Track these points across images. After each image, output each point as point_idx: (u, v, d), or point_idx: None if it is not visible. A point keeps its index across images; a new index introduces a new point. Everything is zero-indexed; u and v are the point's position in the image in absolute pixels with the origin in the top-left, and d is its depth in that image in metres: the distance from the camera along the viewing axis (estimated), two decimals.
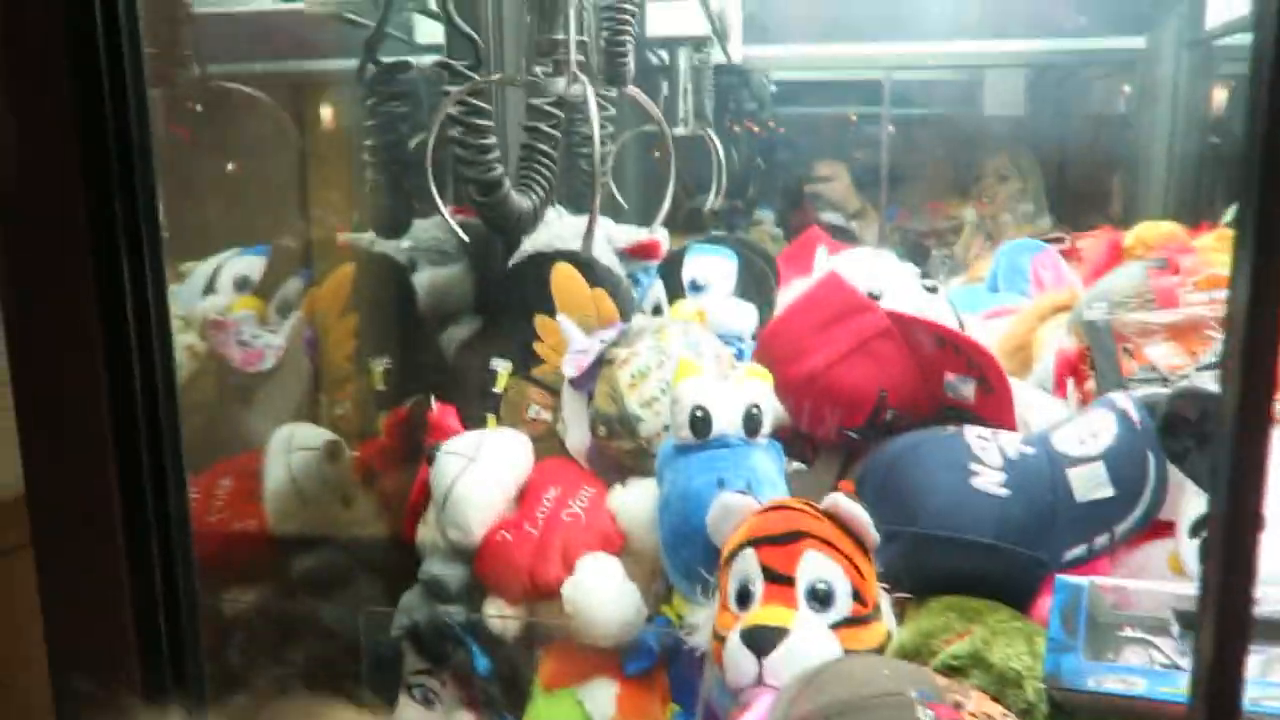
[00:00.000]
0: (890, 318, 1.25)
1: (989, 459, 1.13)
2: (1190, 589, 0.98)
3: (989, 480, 1.11)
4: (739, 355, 1.59)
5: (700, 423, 1.22)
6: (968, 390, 1.23)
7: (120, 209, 0.93)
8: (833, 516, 1.08)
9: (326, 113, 2.08)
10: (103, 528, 0.95)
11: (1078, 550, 1.09)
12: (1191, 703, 0.67)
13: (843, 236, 3.37)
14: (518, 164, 1.61)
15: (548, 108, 1.55)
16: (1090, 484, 1.10)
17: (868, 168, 3.66)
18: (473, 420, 1.54)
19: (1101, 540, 1.09)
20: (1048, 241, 2.07)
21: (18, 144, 0.89)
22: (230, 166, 1.96)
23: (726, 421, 1.23)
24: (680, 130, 2.32)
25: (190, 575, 1.06)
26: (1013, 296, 1.76)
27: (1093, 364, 1.41)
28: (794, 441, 1.40)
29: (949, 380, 1.24)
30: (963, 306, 1.72)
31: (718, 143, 2.24)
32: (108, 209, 0.92)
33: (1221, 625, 0.65)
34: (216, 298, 1.72)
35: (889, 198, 3.70)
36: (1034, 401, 1.32)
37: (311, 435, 1.41)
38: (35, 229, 0.92)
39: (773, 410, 1.27)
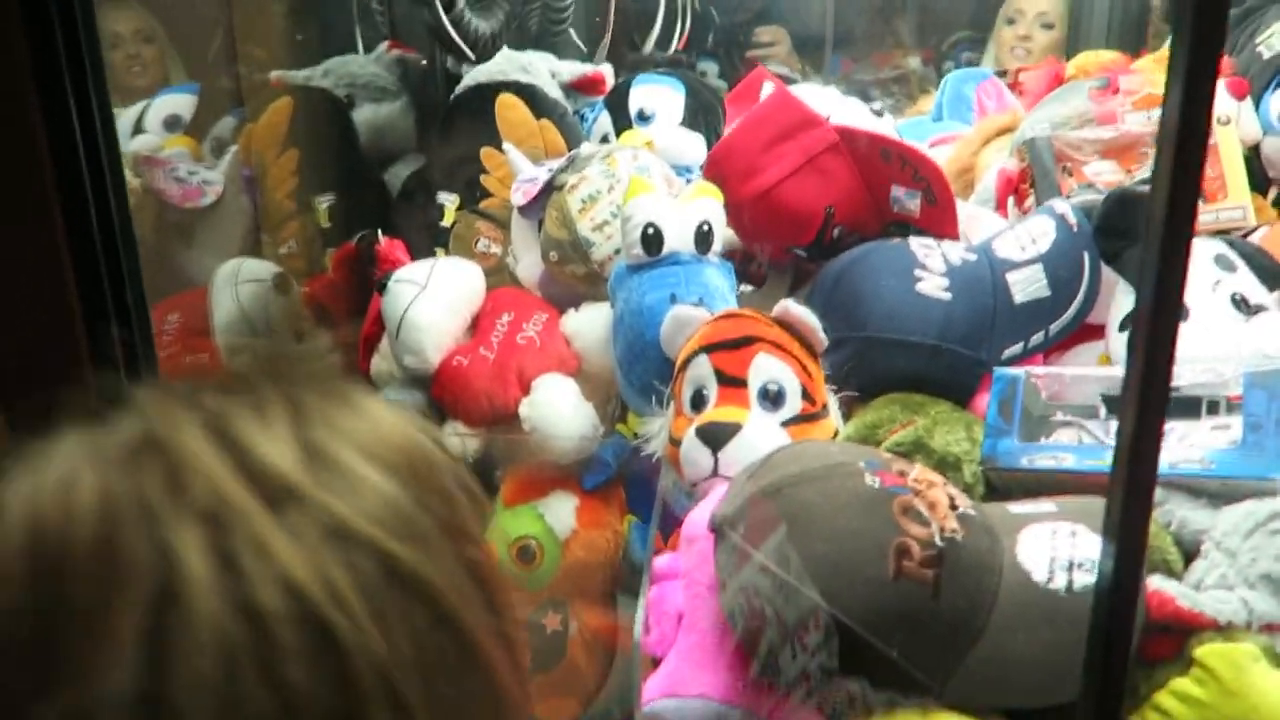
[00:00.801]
0: (838, 132, 1.26)
1: (933, 265, 1.16)
2: (1118, 373, 1.03)
3: (933, 285, 1.14)
4: (688, 184, 1.59)
5: (652, 240, 1.23)
6: (913, 204, 1.25)
7: (62, 41, 0.89)
8: (783, 322, 1.12)
9: None
10: (69, 366, 0.94)
11: (1014, 349, 1.13)
12: (1114, 470, 0.72)
13: (788, 83, 3.32)
14: None
15: None
16: (1028, 286, 1.14)
17: (813, 21, 3.59)
18: (421, 255, 1.53)
19: (1037, 338, 1.13)
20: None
21: None
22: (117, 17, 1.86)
23: (678, 238, 1.24)
24: None
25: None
26: (957, 125, 1.77)
27: (1033, 182, 1.43)
28: (743, 264, 1.42)
29: (895, 194, 1.26)
30: (908, 136, 1.72)
31: None
32: (50, 44, 0.88)
33: (1144, 402, 0.69)
34: (147, 137, 1.66)
35: (835, 51, 3.65)
36: (976, 215, 1.35)
37: (259, 268, 1.40)
38: None
39: (723, 229, 1.28)
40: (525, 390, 1.31)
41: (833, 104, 1.74)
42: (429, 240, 1.56)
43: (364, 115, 1.74)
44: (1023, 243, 1.18)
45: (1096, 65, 1.84)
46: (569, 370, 1.34)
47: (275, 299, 1.37)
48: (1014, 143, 1.54)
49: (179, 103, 1.67)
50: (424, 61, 1.86)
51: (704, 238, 1.25)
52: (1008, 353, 1.14)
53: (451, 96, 1.64)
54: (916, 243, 1.20)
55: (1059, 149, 1.45)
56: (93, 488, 0.36)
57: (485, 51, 1.58)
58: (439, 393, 1.33)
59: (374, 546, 0.37)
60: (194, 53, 1.94)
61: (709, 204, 1.26)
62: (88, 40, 0.88)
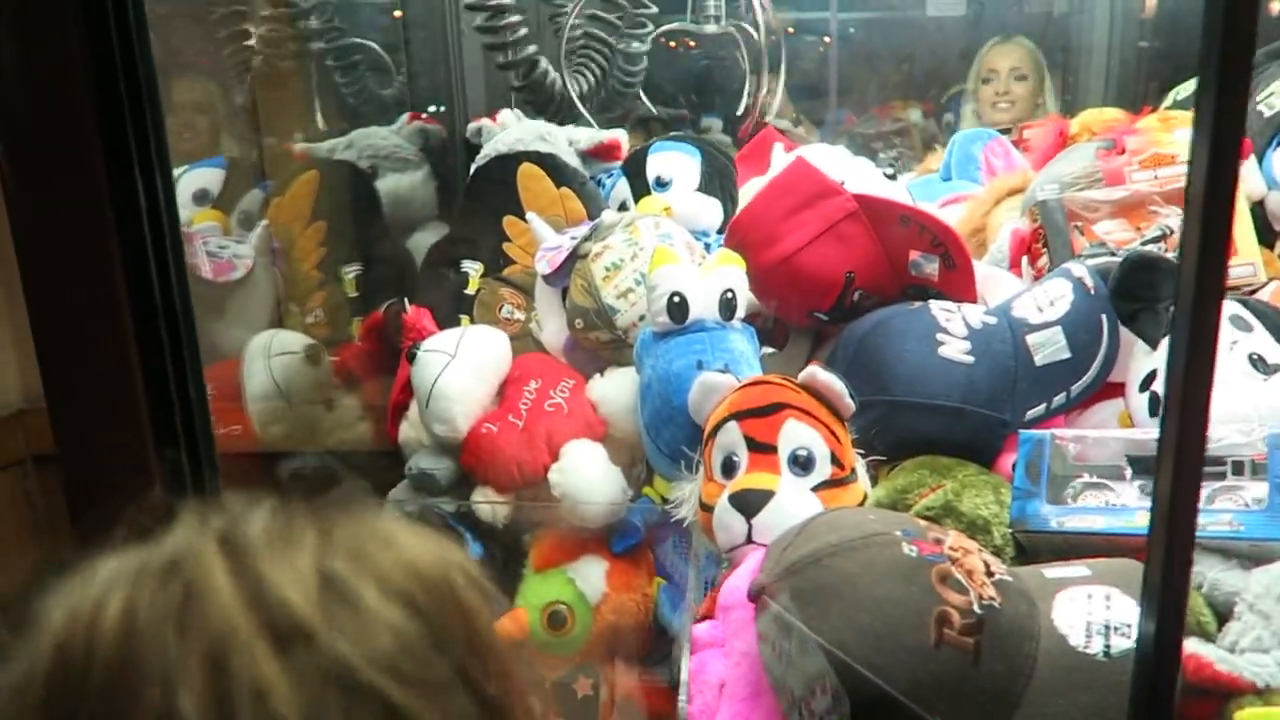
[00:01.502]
0: (857, 200, 1.29)
1: (954, 329, 1.19)
2: (1142, 435, 1.06)
3: (955, 349, 1.17)
4: (706, 250, 1.63)
5: (677, 308, 1.26)
6: (931, 268, 1.28)
7: (130, 119, 0.91)
8: (809, 388, 1.14)
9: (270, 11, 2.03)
10: (131, 436, 0.96)
11: (1037, 410, 1.16)
12: (1153, 528, 0.73)
13: (793, 139, 3.39)
14: (573, 48, 1.60)
15: (605, 15, 1.56)
16: (1049, 348, 1.16)
17: (813, 72, 3.67)
18: (447, 323, 1.56)
19: (1059, 399, 1.16)
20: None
21: (25, 61, 0.87)
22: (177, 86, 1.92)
23: (703, 306, 1.27)
24: (711, 28, 2.22)
25: (216, 482, 1.07)
26: (965, 184, 1.81)
27: (1046, 242, 1.47)
28: (765, 327, 1.45)
29: (914, 259, 1.29)
30: (918, 196, 1.77)
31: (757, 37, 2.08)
32: (117, 119, 0.90)
33: (1180, 466, 0.71)
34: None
35: (837, 101, 3.72)
36: (992, 278, 1.38)
37: (291, 339, 1.43)
38: (46, 144, 0.90)
39: (746, 295, 1.31)
40: (554, 456, 1.33)
41: (843, 165, 1.78)
42: (454, 308, 1.59)
43: (387, 185, 1.79)
44: (1041, 305, 1.21)
45: (1100, 123, 1.89)
46: (596, 436, 1.36)
47: (307, 369, 1.40)
48: (1025, 203, 1.58)
49: (207, 177, 1.72)
50: (444, 131, 1.91)
51: (728, 305, 1.28)
52: (1031, 413, 1.16)
53: (473, 166, 1.68)
54: (937, 307, 1.23)
55: (1070, 209, 1.48)
56: (118, 611, 0.37)
57: (567, 110, 1.63)
58: (468, 460, 1.35)
59: (378, 694, 0.37)
60: (226, 128, 1.99)
61: (732, 272, 1.29)
62: (151, 111, 0.91)
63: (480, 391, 1.37)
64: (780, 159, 2.00)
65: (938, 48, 3.65)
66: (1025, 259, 1.49)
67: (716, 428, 1.14)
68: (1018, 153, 1.86)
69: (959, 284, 1.28)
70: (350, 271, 1.63)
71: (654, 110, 3.72)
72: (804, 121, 3.64)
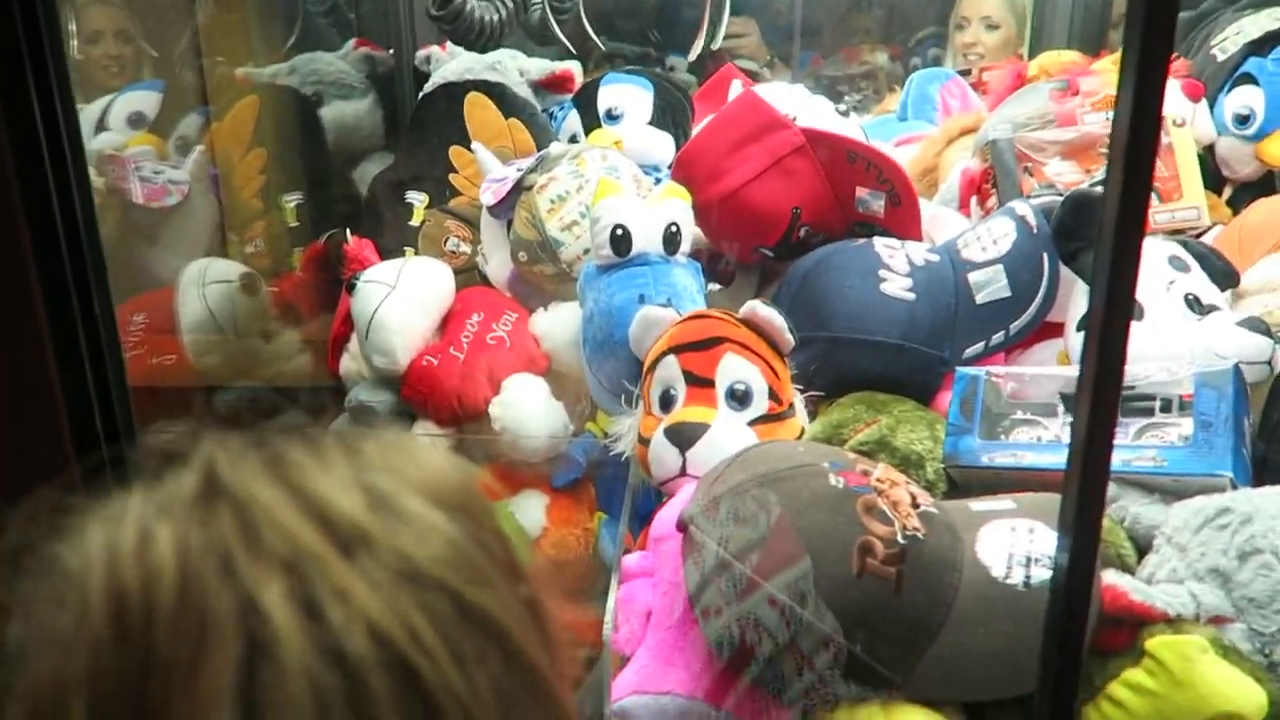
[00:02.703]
0: (804, 134, 1.28)
1: (897, 266, 1.18)
2: (1073, 374, 1.06)
3: (896, 285, 1.16)
4: (656, 184, 1.60)
5: (620, 240, 1.24)
6: (878, 205, 1.27)
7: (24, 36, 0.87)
8: (749, 323, 1.13)
9: None
10: (34, 367, 0.93)
11: (976, 347, 1.16)
12: (1070, 461, 0.74)
13: (757, 79, 3.34)
14: None
15: None
16: (990, 286, 1.16)
17: (782, 21, 3.61)
18: (390, 255, 1.53)
19: (998, 337, 1.16)
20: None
21: None
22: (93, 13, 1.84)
23: (646, 239, 1.25)
24: None
25: (126, 406, 1.05)
26: (921, 124, 1.80)
27: (995, 182, 1.46)
28: (711, 263, 1.43)
29: (860, 195, 1.28)
30: (873, 135, 1.75)
31: None
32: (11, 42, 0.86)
33: (1097, 401, 0.71)
34: (110, 135, 1.64)
35: (803, 43, 3.67)
36: (939, 217, 1.37)
37: (226, 268, 1.39)
38: None
39: (691, 229, 1.30)
40: (495, 390, 1.32)
41: (800, 103, 1.76)
42: (398, 239, 1.56)
43: (331, 113, 1.74)
44: (984, 244, 1.21)
45: (1058, 66, 1.88)
46: (539, 370, 1.35)
47: (243, 299, 1.37)
48: (977, 143, 1.56)
49: (143, 100, 1.66)
50: (391, 56, 1.85)
51: (672, 239, 1.26)
52: (969, 351, 1.16)
53: (420, 95, 1.64)
54: (881, 244, 1.22)
55: (1020, 150, 1.47)
56: (169, 543, 0.36)
57: (491, 41, 1.58)
58: (409, 393, 1.34)
59: (446, 588, 0.37)
60: (164, 51, 1.92)
61: (677, 205, 1.27)
62: (50, 36, 0.87)
63: (421, 324, 1.35)
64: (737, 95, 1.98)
65: None
66: (975, 199, 1.48)
67: (655, 361, 1.13)
68: (974, 94, 1.84)
69: (905, 221, 1.27)
70: (291, 200, 1.59)
71: (609, 47, 3.65)
72: (777, 64, 3.60)
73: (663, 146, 1.64)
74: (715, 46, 2.04)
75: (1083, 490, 0.71)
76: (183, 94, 1.72)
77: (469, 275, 1.54)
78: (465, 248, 1.57)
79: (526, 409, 1.30)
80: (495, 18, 1.47)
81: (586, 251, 1.34)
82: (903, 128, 1.81)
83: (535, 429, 1.29)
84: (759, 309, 1.12)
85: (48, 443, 0.95)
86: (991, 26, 2.72)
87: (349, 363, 1.42)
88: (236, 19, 1.82)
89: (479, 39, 1.47)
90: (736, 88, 2.00)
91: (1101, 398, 0.71)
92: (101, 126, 1.66)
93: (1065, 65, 1.87)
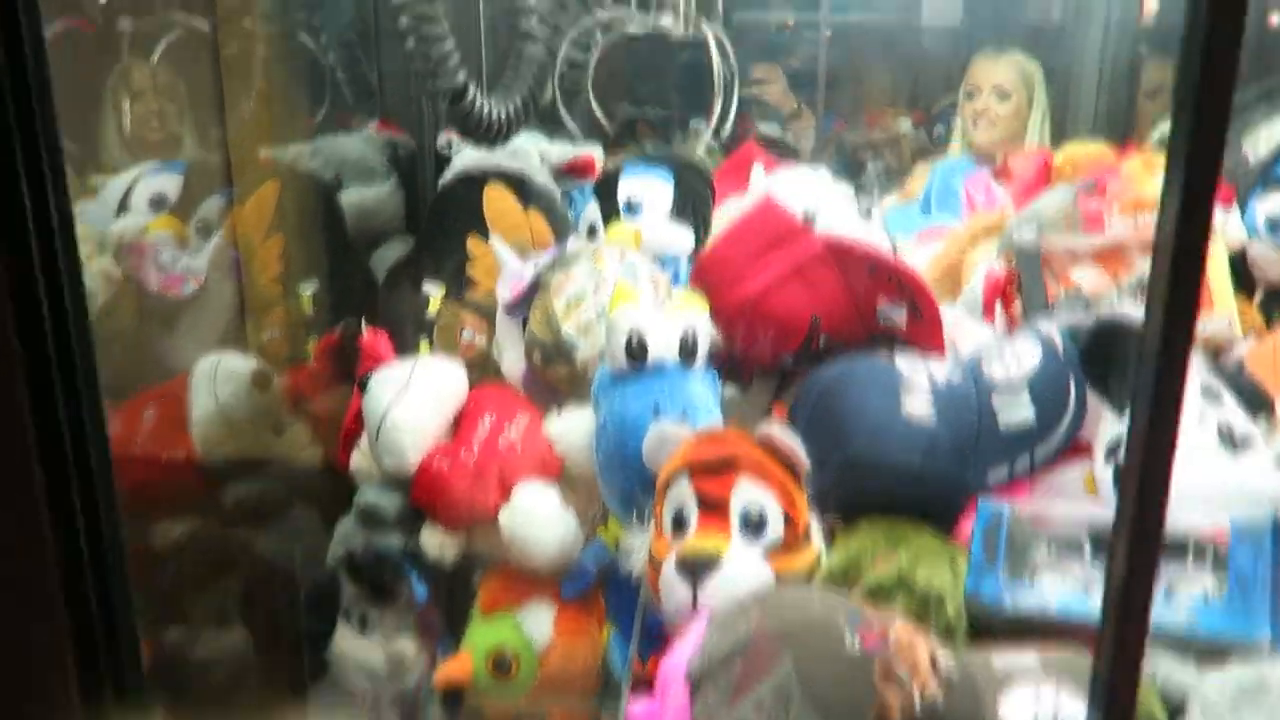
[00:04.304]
0: (825, 244, 1.26)
1: (918, 385, 1.15)
2: (1104, 511, 1.02)
3: (918, 406, 1.13)
4: (675, 278, 1.59)
5: (636, 349, 1.22)
6: (899, 317, 1.25)
7: (13, 115, 0.85)
8: (765, 444, 1.10)
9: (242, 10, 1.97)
10: (17, 470, 0.91)
11: (999, 472, 1.12)
12: (1104, 623, 0.70)
13: (780, 150, 3.35)
14: (505, 69, 1.56)
15: (547, 13, 1.52)
16: (1013, 408, 1.13)
17: (806, 74, 3.62)
18: (405, 345, 1.52)
19: (1022, 463, 1.12)
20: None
21: None
22: (139, 69, 1.87)
23: (662, 348, 1.23)
24: (678, 32, 2.13)
25: (114, 511, 1.03)
26: (945, 218, 1.78)
27: (1020, 287, 1.43)
28: (729, 365, 1.41)
29: (881, 306, 1.26)
30: (896, 228, 1.73)
31: (725, 44, 2.01)
32: None
33: (1134, 548, 0.68)
34: (131, 217, 1.65)
35: (826, 106, 3.68)
36: (962, 324, 1.34)
37: (238, 363, 1.38)
38: None
39: (708, 336, 1.27)
40: (506, 495, 1.29)
41: (820, 194, 1.74)
42: (413, 330, 1.55)
43: (351, 197, 1.74)
44: (1008, 363, 1.17)
45: (1085, 158, 1.86)
46: (551, 475, 1.32)
47: (255, 395, 1.36)
48: (1001, 244, 1.54)
49: (165, 182, 1.66)
50: (412, 140, 1.86)
51: (689, 348, 1.24)
52: (993, 476, 1.13)
53: (439, 184, 1.63)
54: (902, 360, 1.19)
55: (1046, 253, 1.45)
56: None
57: (500, 136, 1.58)
58: (418, 494, 1.31)
59: None
60: (193, 126, 1.94)
61: (694, 314, 1.25)
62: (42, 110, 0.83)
63: (432, 424, 1.33)
64: (759, 181, 1.97)
65: (931, 57, 3.59)
66: (999, 304, 1.45)
67: (668, 481, 1.10)
68: (999, 188, 1.82)
69: (927, 335, 1.24)
70: (308, 288, 1.58)
71: (630, 112, 3.65)
72: (804, 112, 3.58)
73: (682, 239, 1.62)
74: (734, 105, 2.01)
75: (1117, 659, 0.67)
76: (205, 174, 1.72)
77: (483, 367, 1.52)
78: (480, 339, 1.55)
79: (537, 518, 1.27)
80: (505, 113, 1.46)
81: (602, 354, 1.32)
82: (926, 220, 1.79)
83: (545, 538, 1.26)
84: (774, 434, 1.09)
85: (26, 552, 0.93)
86: (1003, 95, 2.70)
87: (359, 459, 1.40)
88: (263, 98, 1.83)
89: (488, 134, 1.46)
90: (759, 172, 2.00)
91: (1139, 545, 0.67)
92: (124, 208, 1.67)
93: (1093, 158, 1.85)
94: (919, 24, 3.53)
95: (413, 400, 1.31)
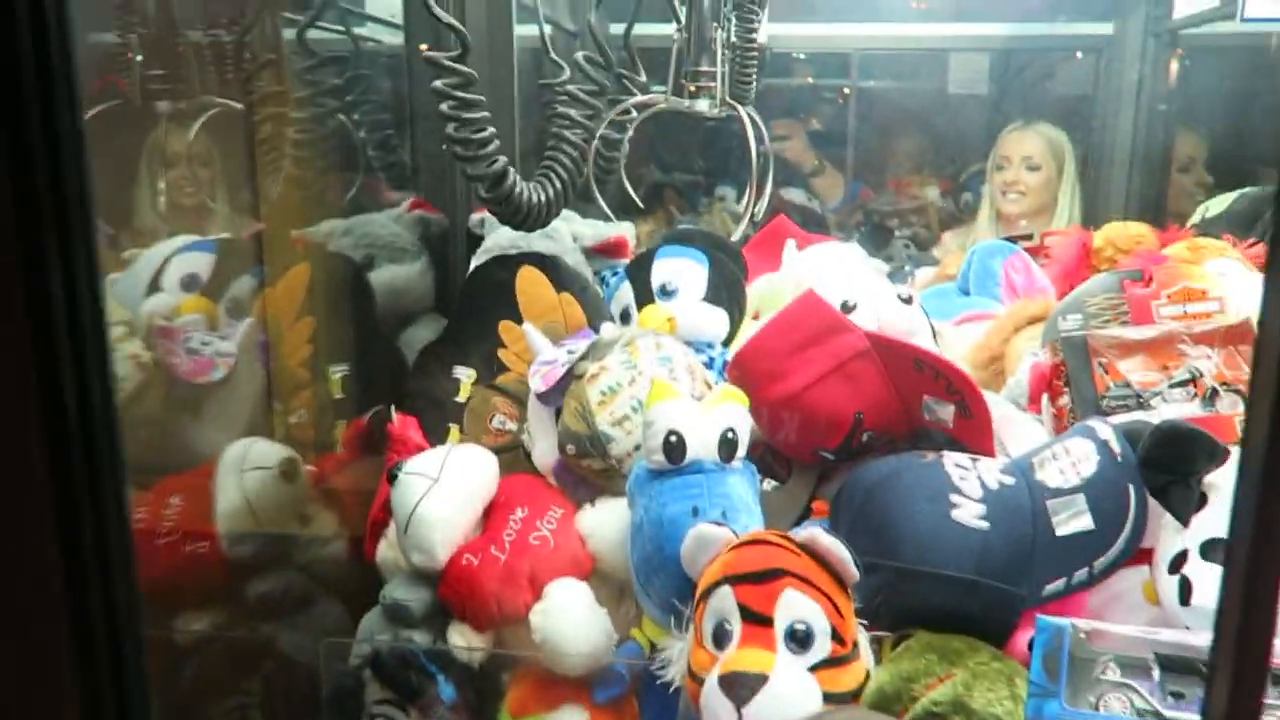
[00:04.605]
0: (869, 339, 1.22)
1: (969, 490, 1.11)
2: (1174, 632, 0.97)
3: (969, 512, 1.09)
4: (709, 363, 1.56)
5: (674, 448, 1.18)
6: (946, 414, 1.21)
7: (47, 189, 0.83)
8: (810, 550, 1.06)
9: (275, 90, 1.99)
10: (36, 556, 0.88)
11: (1056, 585, 1.07)
12: None
13: (808, 219, 3.34)
14: (544, 152, 1.55)
15: (585, 96, 1.50)
16: (1070, 516, 1.08)
17: (835, 137, 3.63)
18: (435, 432, 1.49)
19: (1080, 575, 1.07)
20: (1015, 239, 2.06)
21: None
22: (176, 138, 1.87)
23: (701, 446, 1.19)
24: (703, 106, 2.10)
25: (135, 606, 0.99)
26: (984, 300, 1.74)
27: (1067, 380, 1.39)
28: (768, 458, 1.37)
29: (927, 403, 1.22)
30: (934, 312, 1.70)
31: (758, 123, 1.94)
32: (30, 189, 0.82)
33: (1239, 675, 0.62)
34: (162, 297, 1.63)
35: (853, 173, 3.69)
36: (1010, 420, 1.30)
37: (266, 453, 1.35)
38: None
39: (748, 432, 1.24)
40: (537, 594, 1.25)
41: (859, 276, 1.72)
42: (443, 415, 1.52)
43: (382, 277, 1.72)
44: (1063, 466, 1.13)
45: (1125, 239, 1.83)
46: (583, 572, 1.28)
47: (281, 485, 1.33)
48: (1045, 333, 1.50)
49: (198, 261, 1.65)
50: (445, 218, 1.85)
51: (728, 445, 1.20)
52: (1049, 589, 1.08)
53: (471, 265, 1.62)
54: (951, 462, 1.15)
55: (1093, 344, 1.41)
56: None
57: (540, 222, 1.56)
58: (446, 593, 1.27)
59: None
60: (227, 203, 1.95)
61: (734, 410, 1.21)
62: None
63: (462, 518, 1.29)
64: (792, 260, 1.95)
65: (958, 125, 3.61)
66: (1046, 396, 1.41)
67: (709, 590, 1.05)
68: (1039, 270, 1.79)
69: (975, 434, 1.20)
70: (337, 372, 1.56)
71: (659, 179, 3.64)
72: (826, 168, 3.58)
73: (717, 323, 1.59)
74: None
75: None
76: (237, 253, 1.71)
77: (514, 454, 1.49)
78: (511, 425, 1.52)
79: (569, 619, 1.22)
80: (543, 198, 1.45)
81: (637, 448, 1.28)
82: (964, 304, 1.76)
83: (577, 640, 1.21)
84: (820, 539, 1.04)
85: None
86: (1032, 167, 2.71)
87: (386, 550, 1.36)
88: (295, 177, 1.83)
89: (526, 220, 1.45)
90: (790, 249, 1.98)
91: (1245, 672, 0.62)
92: (155, 287, 1.66)
93: (1134, 240, 1.82)
94: (945, 92, 3.55)
95: (443, 493, 1.28)
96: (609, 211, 1.73)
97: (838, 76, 3.68)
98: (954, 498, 1.10)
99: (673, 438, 1.19)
